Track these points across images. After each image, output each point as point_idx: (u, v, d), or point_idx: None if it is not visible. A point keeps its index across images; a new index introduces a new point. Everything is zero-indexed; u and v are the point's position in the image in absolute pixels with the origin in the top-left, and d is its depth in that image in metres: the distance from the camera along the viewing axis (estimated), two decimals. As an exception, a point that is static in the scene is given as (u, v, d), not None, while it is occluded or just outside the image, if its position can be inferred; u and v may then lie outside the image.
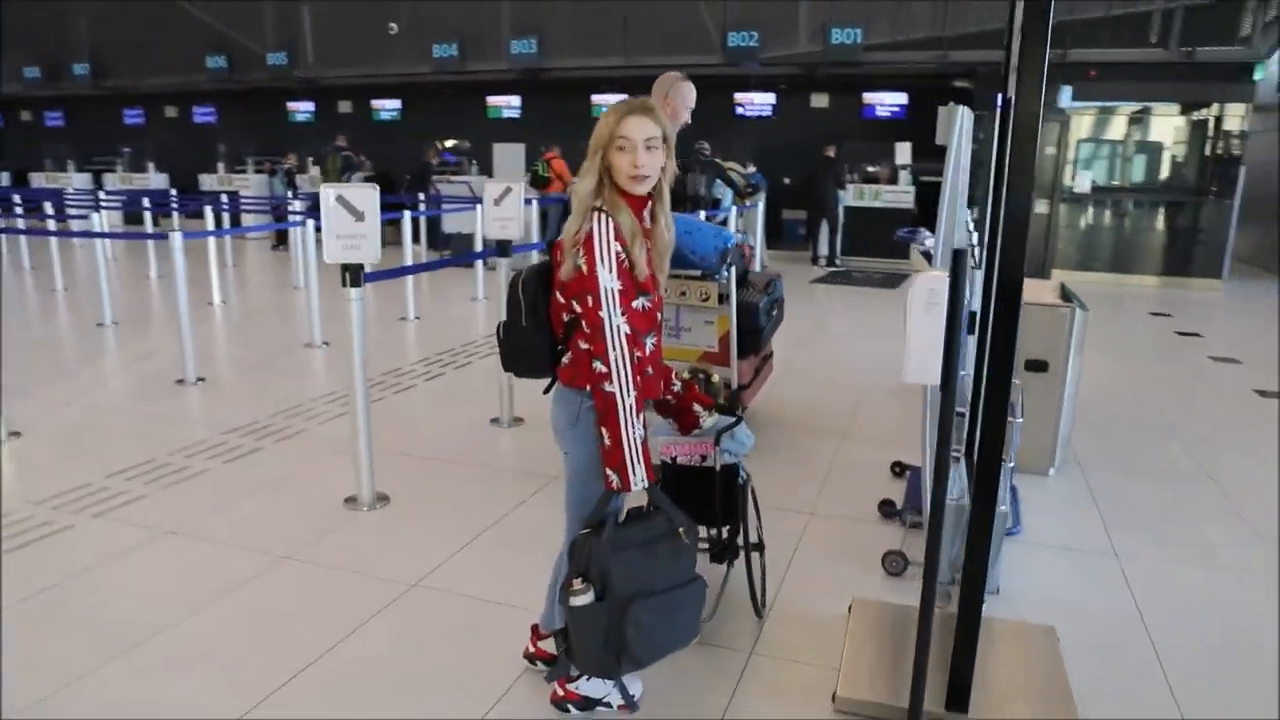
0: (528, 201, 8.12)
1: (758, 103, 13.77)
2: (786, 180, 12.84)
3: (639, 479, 2.02)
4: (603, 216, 2.01)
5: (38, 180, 17.01)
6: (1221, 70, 10.42)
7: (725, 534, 2.69)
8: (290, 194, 12.63)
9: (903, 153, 12.27)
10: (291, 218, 9.99)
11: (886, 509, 3.54)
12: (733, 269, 3.96)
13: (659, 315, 2.20)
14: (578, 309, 2.04)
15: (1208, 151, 10.98)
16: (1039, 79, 1.88)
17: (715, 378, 3.98)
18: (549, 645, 2.36)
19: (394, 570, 3.02)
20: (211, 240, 8.86)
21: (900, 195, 11.77)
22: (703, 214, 6.62)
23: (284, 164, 13.50)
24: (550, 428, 2.23)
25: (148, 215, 11.75)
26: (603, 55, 13.34)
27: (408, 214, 8.68)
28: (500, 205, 4.55)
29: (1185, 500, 3.84)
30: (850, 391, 5.41)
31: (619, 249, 2.00)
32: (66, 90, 17.74)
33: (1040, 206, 10.81)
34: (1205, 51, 10.42)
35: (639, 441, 2.02)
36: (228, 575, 2.98)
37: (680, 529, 2.10)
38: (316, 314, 6.46)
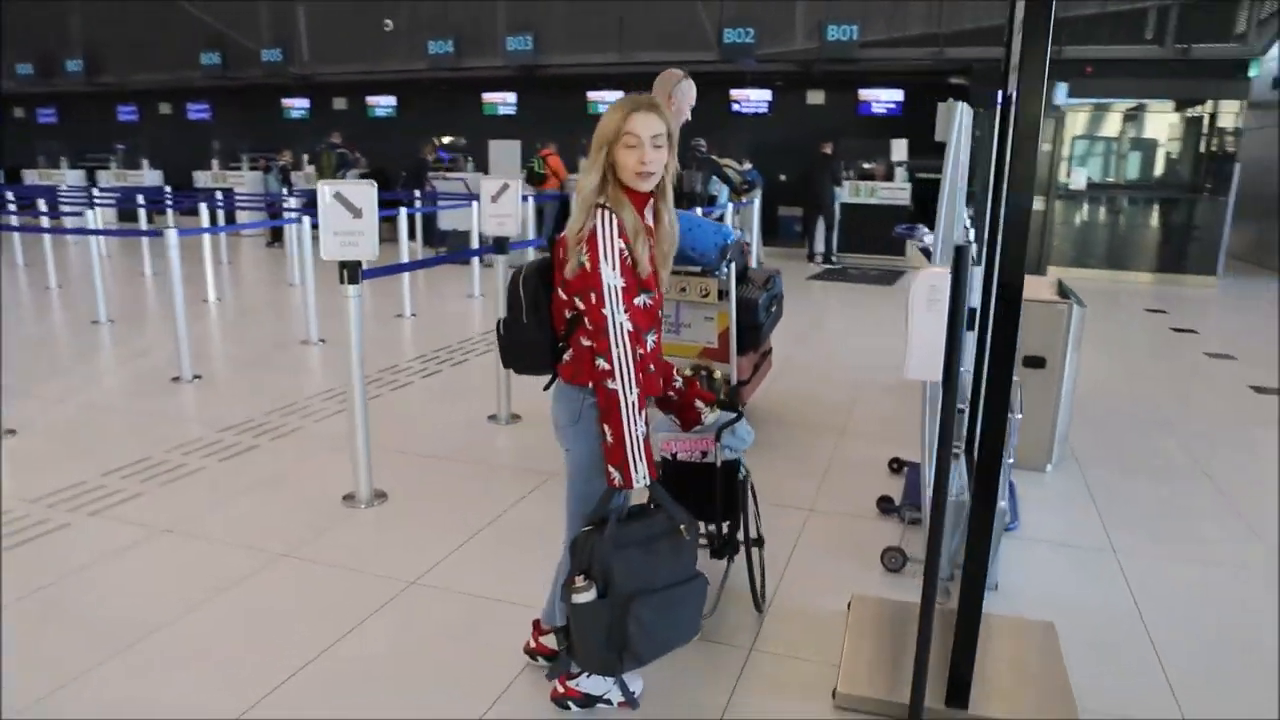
0: (524, 198, 8.11)
1: (754, 99, 13.77)
2: (783, 177, 12.85)
3: (641, 476, 2.02)
4: (606, 213, 2.00)
5: (31, 177, 16.94)
6: (1217, 67, 10.45)
7: (725, 529, 2.69)
8: (285, 191, 12.59)
9: (898, 149, 12.28)
10: (286, 214, 9.96)
11: (885, 505, 3.54)
12: (732, 265, 3.96)
13: (660, 312, 2.20)
14: (580, 306, 2.04)
15: (1203, 148, 11.01)
16: (1041, 76, 1.88)
17: (718, 374, 3.99)
18: (550, 641, 2.36)
19: (392, 568, 3.01)
20: (206, 237, 8.82)
21: (896, 192, 11.77)
22: (699, 211, 6.61)
23: (279, 161, 13.45)
24: (551, 424, 2.23)
25: (142, 212, 11.70)
26: (599, 52, 13.33)
27: (404, 211, 8.66)
28: (498, 202, 4.54)
29: (1181, 497, 3.85)
30: (847, 388, 5.41)
31: (622, 246, 2.00)
32: (60, 87, 17.68)
33: (1035, 203, 10.78)
34: (1201, 48, 10.44)
35: (641, 438, 2.01)
36: (224, 573, 2.97)
37: (681, 526, 2.10)
38: (312, 311, 6.45)
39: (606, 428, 2.01)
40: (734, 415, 2.55)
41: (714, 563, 2.73)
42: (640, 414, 2.02)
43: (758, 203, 10.72)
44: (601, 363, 1.99)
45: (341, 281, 3.39)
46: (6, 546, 3.13)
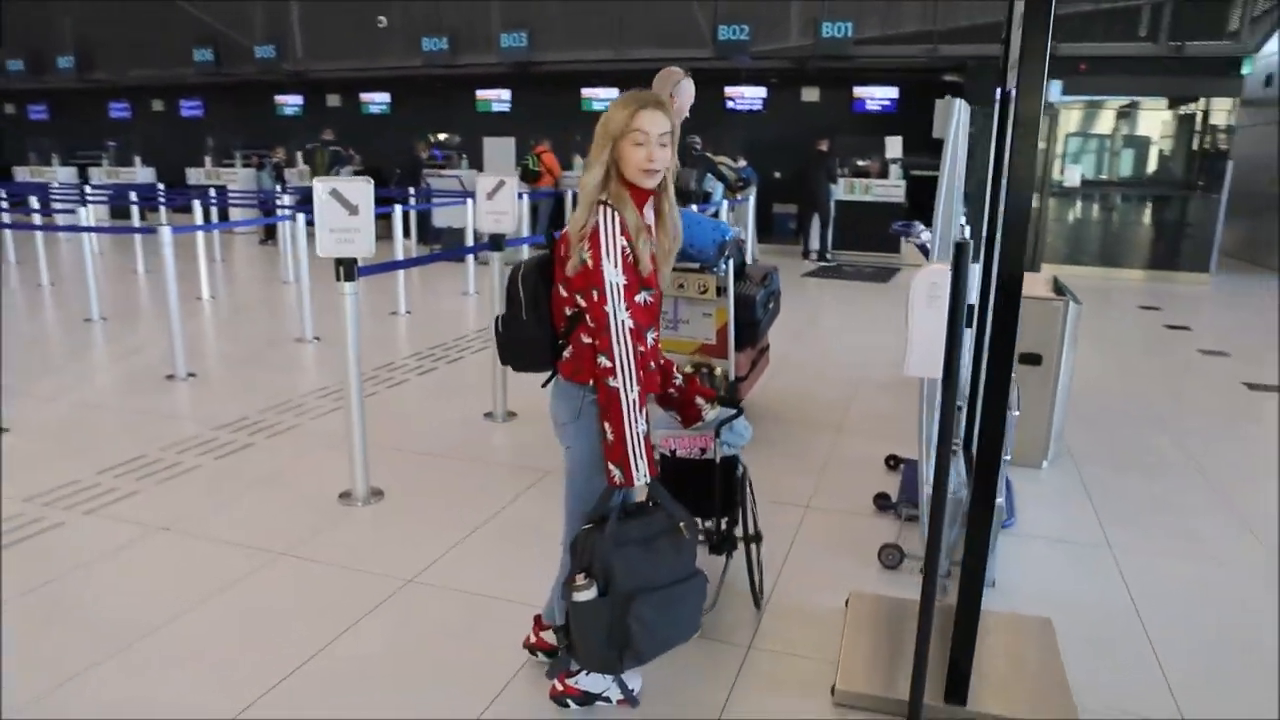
0: (519, 195, 8.10)
1: (748, 96, 13.76)
2: (777, 174, 12.85)
3: (642, 474, 2.01)
4: (609, 210, 2.00)
5: (22, 174, 16.80)
6: (1210, 65, 10.48)
7: (724, 525, 2.69)
8: (279, 188, 12.53)
9: (893, 147, 12.28)
10: (280, 212, 9.91)
11: (881, 502, 3.55)
12: (730, 262, 3.96)
13: (659, 310, 2.20)
14: (582, 303, 2.03)
15: (1195, 146, 11.05)
16: (1041, 72, 1.88)
17: (718, 371, 3.99)
18: (551, 637, 2.35)
19: (389, 566, 3.01)
20: (200, 235, 8.79)
21: (891, 189, 11.78)
22: (694, 208, 6.62)
23: (272, 158, 13.40)
24: (549, 421, 2.22)
25: (134, 209, 11.63)
26: (593, 49, 13.30)
27: (398, 208, 8.64)
28: (493, 199, 4.53)
29: (1175, 493, 3.87)
30: (843, 385, 5.42)
31: (624, 243, 1.99)
32: (51, 83, 17.55)
33: (1030, 200, 10.84)
34: (1194, 46, 10.47)
35: (642, 436, 2.01)
36: (221, 572, 2.96)
37: (681, 524, 2.10)
38: (307, 308, 6.43)
39: (607, 425, 2.00)
40: (734, 411, 2.55)
41: (712, 559, 2.74)
42: (641, 412, 2.01)
43: (752, 200, 10.71)
44: (603, 360, 1.98)
45: (338, 279, 3.38)
46: (3, 545, 3.12)
